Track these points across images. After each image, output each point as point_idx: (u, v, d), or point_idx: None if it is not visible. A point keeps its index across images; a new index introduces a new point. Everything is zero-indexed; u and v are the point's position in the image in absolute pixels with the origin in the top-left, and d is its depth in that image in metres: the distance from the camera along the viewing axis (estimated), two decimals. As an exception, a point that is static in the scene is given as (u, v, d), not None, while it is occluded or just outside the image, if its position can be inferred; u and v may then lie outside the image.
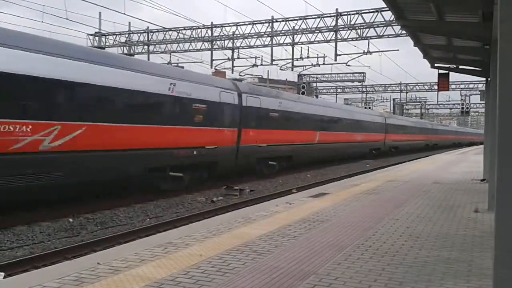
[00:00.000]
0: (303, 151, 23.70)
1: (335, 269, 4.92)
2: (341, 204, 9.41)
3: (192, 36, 31.43)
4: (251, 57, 32.57)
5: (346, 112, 32.03)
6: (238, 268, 4.91)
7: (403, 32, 21.48)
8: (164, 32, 31.89)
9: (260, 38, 30.18)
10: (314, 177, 21.39)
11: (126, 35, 33.24)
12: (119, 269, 4.81)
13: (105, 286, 4.33)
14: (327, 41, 28.54)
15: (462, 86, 52.29)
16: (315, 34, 28.75)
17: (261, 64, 33.15)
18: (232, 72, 32.99)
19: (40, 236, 9.38)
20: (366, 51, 29.72)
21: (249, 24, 29.98)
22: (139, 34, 32.88)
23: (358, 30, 27.62)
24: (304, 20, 28.61)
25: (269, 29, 29.57)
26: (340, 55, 29.39)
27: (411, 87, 57.10)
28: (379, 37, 27.23)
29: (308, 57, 31.90)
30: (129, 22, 33.21)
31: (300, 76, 42.81)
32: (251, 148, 18.79)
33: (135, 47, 33.32)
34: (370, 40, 28.41)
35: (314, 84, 50.67)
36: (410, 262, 5.21)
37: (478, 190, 12.05)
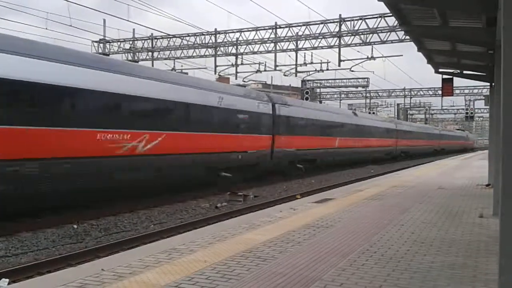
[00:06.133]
0: None
1: (340, 275, 4.90)
2: (345, 210, 9.39)
3: (196, 42, 31.50)
4: (255, 63, 32.61)
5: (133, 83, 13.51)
6: (242, 274, 4.89)
7: (407, 37, 21.48)
8: (168, 39, 31.97)
9: (264, 44, 30.23)
10: (318, 183, 21.33)
11: (131, 42, 33.38)
12: (123, 275, 4.81)
13: (109, 292, 4.32)
14: (331, 47, 28.56)
15: (466, 91, 52.18)
16: (319, 40, 28.76)
17: (265, 70, 33.18)
18: (236, 78, 33.09)
19: (44, 242, 9.38)
20: (369, 56, 29.71)
21: (253, 30, 30.04)
22: (143, 41, 33.01)
23: (362, 36, 27.62)
24: (308, 26, 28.63)
25: (272, 35, 29.61)
26: (343, 60, 29.42)
27: (415, 92, 57.02)
28: (383, 42, 27.23)
29: (311, 62, 31.94)
30: (133, 29, 33.29)
31: (303, 81, 42.80)
32: None
33: (139, 53, 33.44)
34: (374, 46, 28.41)
35: (318, 90, 50.64)
36: (415, 268, 5.18)
37: (483, 195, 11.99)
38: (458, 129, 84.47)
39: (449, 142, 65.89)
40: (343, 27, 27.61)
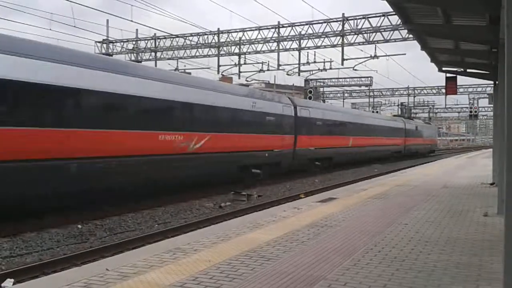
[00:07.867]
0: None
1: (344, 274, 4.90)
2: (349, 209, 9.38)
3: (199, 42, 31.54)
4: (258, 63, 32.58)
5: None
6: (247, 273, 4.90)
7: (410, 36, 21.42)
8: (171, 39, 32.02)
9: (267, 44, 30.22)
10: (322, 182, 21.34)
11: (134, 42, 33.43)
12: (128, 275, 4.82)
13: (114, 292, 4.33)
14: (334, 46, 28.52)
15: (470, 89, 51.99)
16: (322, 39, 28.73)
17: (268, 70, 33.13)
18: (239, 78, 33.10)
19: (49, 242, 9.42)
20: (373, 55, 29.67)
21: (256, 29, 30.04)
22: (146, 41, 33.07)
23: (365, 35, 27.58)
24: (311, 25, 28.62)
25: (275, 35, 29.60)
26: (347, 59, 29.36)
27: (418, 91, 56.90)
28: (386, 41, 27.17)
29: (314, 61, 31.83)
30: (137, 29, 33.33)
31: (307, 81, 42.72)
32: None
33: (143, 54, 33.50)
34: (377, 45, 28.34)
35: (321, 89, 50.58)
36: (419, 267, 5.18)
37: (488, 194, 11.96)
38: (395, 115, 51.64)
39: (369, 139, 33.46)
40: (346, 26, 27.57)
